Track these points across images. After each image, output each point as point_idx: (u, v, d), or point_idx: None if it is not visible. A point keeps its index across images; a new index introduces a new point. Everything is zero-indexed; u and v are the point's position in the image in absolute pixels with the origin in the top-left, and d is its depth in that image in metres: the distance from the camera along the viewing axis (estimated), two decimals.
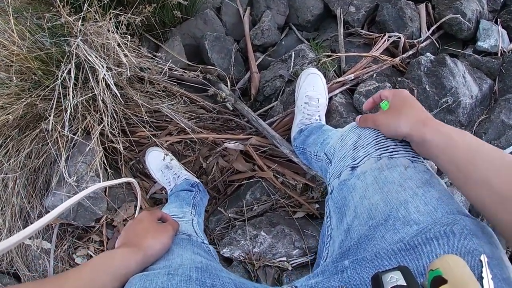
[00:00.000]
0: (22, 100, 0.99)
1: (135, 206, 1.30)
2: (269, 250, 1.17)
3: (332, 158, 0.68)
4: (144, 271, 0.52)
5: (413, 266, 0.39)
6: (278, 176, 1.22)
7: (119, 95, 0.98)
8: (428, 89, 1.25)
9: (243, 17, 1.41)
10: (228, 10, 1.45)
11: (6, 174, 1.09)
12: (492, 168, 0.39)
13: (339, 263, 0.45)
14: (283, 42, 1.43)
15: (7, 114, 0.96)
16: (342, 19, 1.37)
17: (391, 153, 0.54)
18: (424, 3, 1.51)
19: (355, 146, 0.60)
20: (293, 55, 1.27)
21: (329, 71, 1.23)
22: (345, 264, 0.44)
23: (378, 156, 0.54)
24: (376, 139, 0.58)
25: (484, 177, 0.39)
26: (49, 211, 1.14)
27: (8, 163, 1.08)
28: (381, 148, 0.55)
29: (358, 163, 0.56)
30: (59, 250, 1.26)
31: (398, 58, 1.33)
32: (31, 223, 0.44)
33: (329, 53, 1.28)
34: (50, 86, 1.01)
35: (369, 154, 0.55)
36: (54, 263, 1.23)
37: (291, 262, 1.18)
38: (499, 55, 1.42)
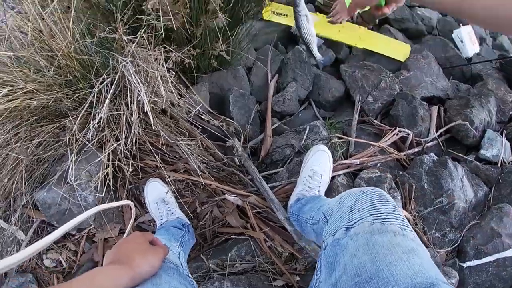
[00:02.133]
0: (51, 92, 1.02)
1: (120, 230, 1.29)
2: None
3: (330, 218, 0.73)
4: None
5: None
6: (268, 239, 1.24)
7: (151, 122, 1.01)
8: (426, 187, 1.31)
9: (270, 82, 1.52)
10: (258, 72, 1.56)
11: (10, 153, 1.08)
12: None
13: None
14: (300, 115, 1.52)
15: (33, 99, 0.98)
16: (359, 106, 1.47)
17: (384, 220, 0.58)
18: (437, 106, 1.61)
19: (351, 209, 0.65)
20: (307, 129, 1.35)
21: (337, 152, 1.30)
22: None
23: (372, 221, 0.58)
24: (372, 205, 0.63)
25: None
26: (36, 204, 1.15)
27: (16, 144, 1.08)
28: (375, 214, 0.60)
29: (352, 225, 0.60)
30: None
31: (404, 153, 1.40)
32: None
33: (340, 135, 1.36)
34: (84, 91, 1.05)
35: (363, 218, 0.60)
36: None
37: None
38: (499, 165, 1.49)
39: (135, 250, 0.60)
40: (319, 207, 0.90)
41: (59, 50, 0.96)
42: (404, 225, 0.59)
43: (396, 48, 1.86)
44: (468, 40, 2.08)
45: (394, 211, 0.61)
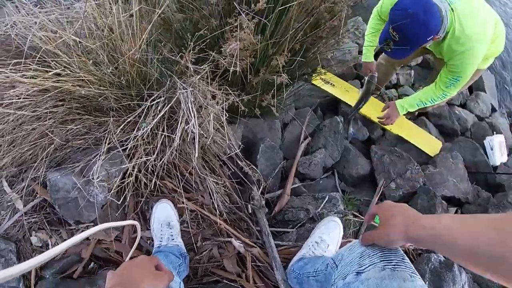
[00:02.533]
0: (101, 87, 1.05)
1: (117, 237, 1.27)
2: None
3: (339, 263, 0.75)
4: None
5: None
6: None
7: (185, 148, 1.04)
8: (427, 286, 1.29)
9: (301, 143, 1.57)
10: (292, 130, 1.62)
11: (40, 126, 1.09)
12: (475, 237, 0.46)
13: None
14: (321, 182, 1.55)
15: (82, 87, 1.02)
16: (381, 190, 1.49)
17: (394, 266, 0.61)
18: (456, 208, 1.61)
19: (362, 255, 0.67)
20: (326, 198, 1.37)
21: (349, 229, 1.31)
22: None
23: (383, 267, 0.61)
24: (382, 252, 0.65)
25: (468, 247, 0.46)
26: (45, 183, 1.17)
27: (49, 121, 1.09)
28: (385, 260, 0.62)
29: (363, 270, 0.63)
30: (26, 219, 1.22)
31: (413, 247, 1.39)
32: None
33: (356, 213, 1.37)
34: (132, 99, 1.10)
35: (374, 264, 0.62)
36: (11, 224, 1.20)
37: None
38: None
39: (142, 275, 0.60)
40: (322, 262, 0.91)
41: (124, 53, 1.02)
42: (413, 273, 0.61)
43: (428, 142, 1.91)
44: (498, 149, 2.11)
45: (403, 259, 0.64)
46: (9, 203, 1.21)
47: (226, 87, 1.15)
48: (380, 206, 0.70)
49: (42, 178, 1.20)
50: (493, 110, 2.94)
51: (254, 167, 1.43)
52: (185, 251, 1.26)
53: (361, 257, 0.67)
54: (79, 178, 1.18)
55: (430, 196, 1.52)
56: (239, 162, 1.30)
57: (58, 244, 1.24)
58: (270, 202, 1.46)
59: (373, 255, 0.66)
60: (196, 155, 1.03)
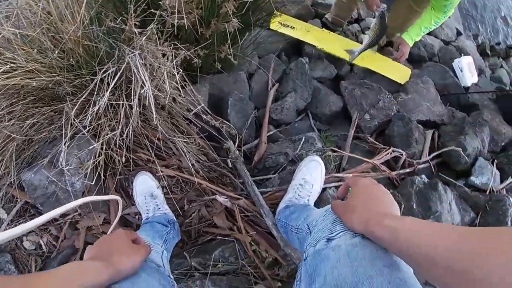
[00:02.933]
0: (52, 74, 1.01)
1: (105, 219, 1.27)
2: None
3: (313, 229, 0.73)
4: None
5: None
6: (253, 243, 1.24)
7: (149, 116, 1.01)
8: (415, 208, 1.32)
9: (270, 90, 1.54)
10: (259, 79, 1.58)
11: (2, 130, 1.07)
12: (434, 246, 0.42)
13: None
14: (296, 125, 1.54)
15: (32, 79, 0.97)
16: (356, 123, 1.49)
17: None
18: (432, 130, 1.64)
19: (334, 221, 0.65)
20: (303, 139, 1.36)
21: (330, 165, 1.31)
22: None
23: (354, 234, 0.58)
24: None
25: (430, 257, 0.42)
26: (22, 185, 1.14)
27: (9, 122, 1.07)
28: None
29: (334, 236, 0.60)
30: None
31: (396, 172, 1.42)
32: None
33: (335, 149, 1.38)
34: (85, 77, 1.04)
35: (345, 231, 0.60)
36: None
37: None
38: (487, 192, 1.51)
39: (117, 248, 0.60)
40: (306, 217, 0.91)
41: (66, 33, 0.96)
42: None
43: (397, 70, 1.90)
44: (467, 70, 2.13)
45: None
46: None
47: (176, 43, 1.10)
48: (355, 183, 0.66)
49: (17, 182, 1.17)
50: (459, 34, 2.96)
51: (227, 122, 1.40)
52: (173, 217, 1.25)
53: (333, 223, 0.65)
54: (51, 171, 1.14)
55: (405, 122, 1.54)
56: (211, 120, 1.26)
57: (50, 244, 1.24)
58: (249, 153, 1.44)
59: None
60: (155, 115, 1.00)
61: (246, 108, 1.45)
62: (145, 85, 0.99)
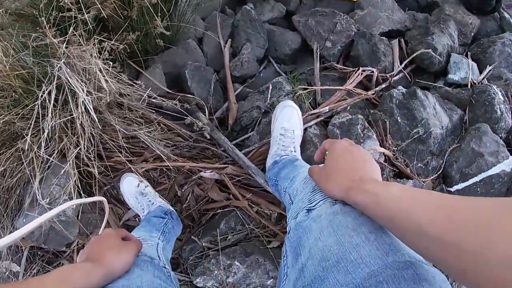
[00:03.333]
0: (0, 117, 0.98)
1: (104, 225, 1.29)
2: (243, 280, 1.16)
3: (294, 199, 0.70)
4: None
5: None
6: (253, 205, 1.22)
7: (97, 119, 0.99)
8: (399, 121, 1.30)
9: (224, 48, 1.45)
10: (210, 41, 1.49)
11: None
12: (421, 214, 0.38)
13: None
14: (261, 74, 1.47)
15: None
16: (318, 53, 1.43)
17: None
18: (397, 39, 1.58)
19: (313, 189, 0.62)
20: (270, 87, 1.30)
21: (305, 103, 1.27)
22: None
23: (334, 201, 0.55)
24: None
25: (416, 226, 0.38)
26: None
27: None
28: None
29: (314, 206, 0.57)
30: (28, 274, 1.23)
31: (371, 91, 1.38)
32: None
33: (305, 86, 1.32)
34: (29, 106, 1.00)
35: (325, 199, 0.57)
36: None
37: None
38: (469, 86, 1.49)
39: (108, 247, 0.59)
40: (292, 178, 0.88)
41: None
42: None
43: None
44: None
45: None
46: (6, 273, 1.20)
47: (96, 36, 1.03)
48: (332, 146, 0.60)
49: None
50: None
51: (191, 96, 1.33)
52: (169, 208, 1.23)
53: (312, 191, 0.61)
54: (35, 210, 1.11)
55: (367, 38, 1.48)
56: (163, 101, 1.19)
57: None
58: (223, 119, 1.39)
59: None
60: (96, 118, 0.97)
61: (205, 75, 1.38)
62: (80, 93, 0.94)
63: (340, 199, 0.54)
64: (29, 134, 0.99)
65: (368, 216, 0.49)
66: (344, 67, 1.41)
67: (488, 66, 1.58)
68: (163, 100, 1.17)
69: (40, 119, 1.00)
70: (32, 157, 1.06)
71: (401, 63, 1.50)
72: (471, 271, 0.31)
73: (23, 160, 1.07)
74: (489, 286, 0.30)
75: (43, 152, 1.01)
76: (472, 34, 1.72)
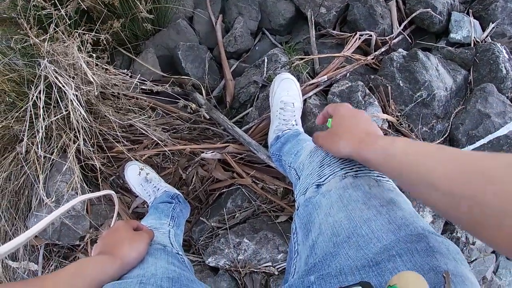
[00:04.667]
0: None
1: (115, 218, 1.30)
2: (253, 256, 1.17)
3: (301, 174, 0.69)
4: (119, 279, 0.53)
5: (376, 282, 0.39)
6: (258, 182, 1.21)
7: (87, 113, 0.99)
8: (401, 85, 1.26)
9: (216, 25, 1.41)
10: (200, 19, 1.44)
11: None
12: (432, 169, 0.37)
13: (305, 279, 0.45)
14: (256, 48, 1.43)
15: None
16: (313, 21, 1.38)
17: (356, 172, 0.54)
18: (394, 0, 1.52)
19: (321, 164, 0.61)
20: (266, 60, 1.27)
21: (302, 74, 1.23)
22: (311, 280, 0.44)
23: (343, 175, 0.54)
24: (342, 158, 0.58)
25: (427, 180, 0.37)
26: None
27: None
28: (346, 167, 0.56)
29: (323, 181, 0.56)
30: (46, 271, 1.26)
31: (371, 56, 1.34)
32: None
33: (301, 56, 1.28)
34: (23, 108, 1.01)
35: (334, 173, 0.56)
36: None
37: (277, 267, 1.17)
38: (472, 45, 1.43)
39: (120, 239, 0.59)
40: (296, 153, 0.87)
41: None
42: (379, 175, 0.54)
43: None
44: None
45: None
46: (25, 273, 1.23)
47: (77, 30, 1.02)
48: (336, 110, 0.59)
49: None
50: None
51: (186, 77, 1.30)
52: (175, 191, 1.24)
53: (320, 167, 0.60)
54: (44, 209, 1.14)
55: (363, 1, 1.41)
56: (153, 86, 1.17)
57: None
58: (221, 97, 1.36)
59: (333, 163, 0.58)
60: (85, 115, 0.97)
61: (199, 54, 1.34)
62: (68, 90, 0.93)
63: (347, 156, 0.53)
64: (26, 136, 1.00)
65: (379, 171, 0.48)
66: (341, 33, 1.36)
67: (490, 23, 1.51)
68: (155, 85, 1.15)
69: (34, 120, 1.00)
70: (33, 158, 1.07)
71: (400, 25, 1.44)
72: (482, 225, 0.31)
73: (24, 163, 1.09)
74: (505, 239, 0.29)
75: (41, 152, 1.02)
76: None
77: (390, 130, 1.22)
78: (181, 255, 0.73)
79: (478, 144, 1.27)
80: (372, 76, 1.29)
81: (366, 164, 0.50)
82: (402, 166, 0.41)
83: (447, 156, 0.37)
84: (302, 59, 1.26)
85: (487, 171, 0.31)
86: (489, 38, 1.49)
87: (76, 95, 0.95)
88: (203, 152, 1.19)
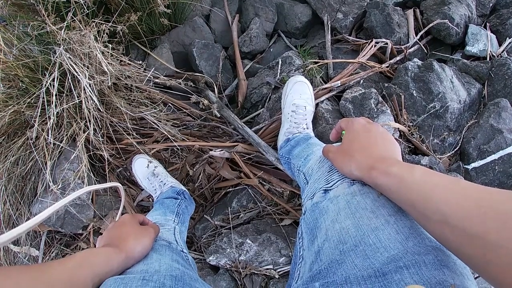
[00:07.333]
0: (9, 107, 1.00)
1: (120, 211, 1.31)
2: (255, 258, 1.16)
3: (309, 179, 0.68)
4: (122, 273, 0.53)
5: None
6: (265, 183, 1.21)
7: (100, 103, 0.99)
8: (415, 95, 1.25)
9: (232, 24, 1.41)
10: (217, 18, 1.45)
11: None
12: (446, 202, 0.36)
13: (310, 285, 0.44)
14: (271, 49, 1.43)
15: None
16: (330, 25, 1.37)
17: None
18: (412, 9, 1.51)
19: (330, 169, 0.60)
20: (280, 62, 1.27)
21: (316, 78, 1.23)
22: (315, 286, 0.43)
23: (351, 181, 0.53)
24: None
25: (440, 214, 0.37)
26: None
27: None
28: None
29: (331, 187, 0.55)
30: (47, 258, 1.26)
31: (386, 64, 1.33)
32: None
33: (316, 60, 1.28)
34: (36, 94, 1.01)
35: (342, 179, 0.55)
36: None
37: (278, 270, 1.16)
38: (487, 59, 1.42)
39: (126, 233, 0.59)
40: (305, 157, 0.86)
41: (0, 63, 0.94)
42: None
43: None
44: None
45: None
46: (26, 258, 1.24)
47: (95, 20, 1.02)
48: (350, 124, 0.57)
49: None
50: None
51: (199, 74, 1.31)
52: (181, 187, 1.23)
53: (329, 172, 0.59)
54: (50, 196, 1.15)
55: (381, 9, 1.41)
56: (167, 81, 1.17)
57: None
58: (233, 96, 1.36)
59: None
60: (98, 105, 0.98)
61: (214, 52, 1.35)
62: (81, 78, 0.94)
63: (359, 179, 0.52)
64: (37, 122, 1.00)
65: (389, 199, 0.47)
66: (357, 39, 1.36)
67: (507, 38, 1.50)
68: (169, 80, 1.15)
69: (46, 107, 1.00)
70: (43, 145, 1.08)
71: (416, 35, 1.43)
72: (494, 265, 0.30)
73: (33, 148, 1.09)
74: None
75: (50, 139, 1.03)
76: (491, 4, 1.63)
77: (401, 140, 1.21)
78: (186, 253, 0.73)
79: (488, 159, 1.25)
80: (386, 84, 1.28)
81: (377, 189, 0.48)
82: (416, 198, 0.40)
83: (463, 191, 0.36)
84: (316, 63, 1.25)
85: (501, 212, 0.31)
86: (506, 52, 1.48)
87: (90, 84, 0.95)
88: (211, 150, 1.18)
